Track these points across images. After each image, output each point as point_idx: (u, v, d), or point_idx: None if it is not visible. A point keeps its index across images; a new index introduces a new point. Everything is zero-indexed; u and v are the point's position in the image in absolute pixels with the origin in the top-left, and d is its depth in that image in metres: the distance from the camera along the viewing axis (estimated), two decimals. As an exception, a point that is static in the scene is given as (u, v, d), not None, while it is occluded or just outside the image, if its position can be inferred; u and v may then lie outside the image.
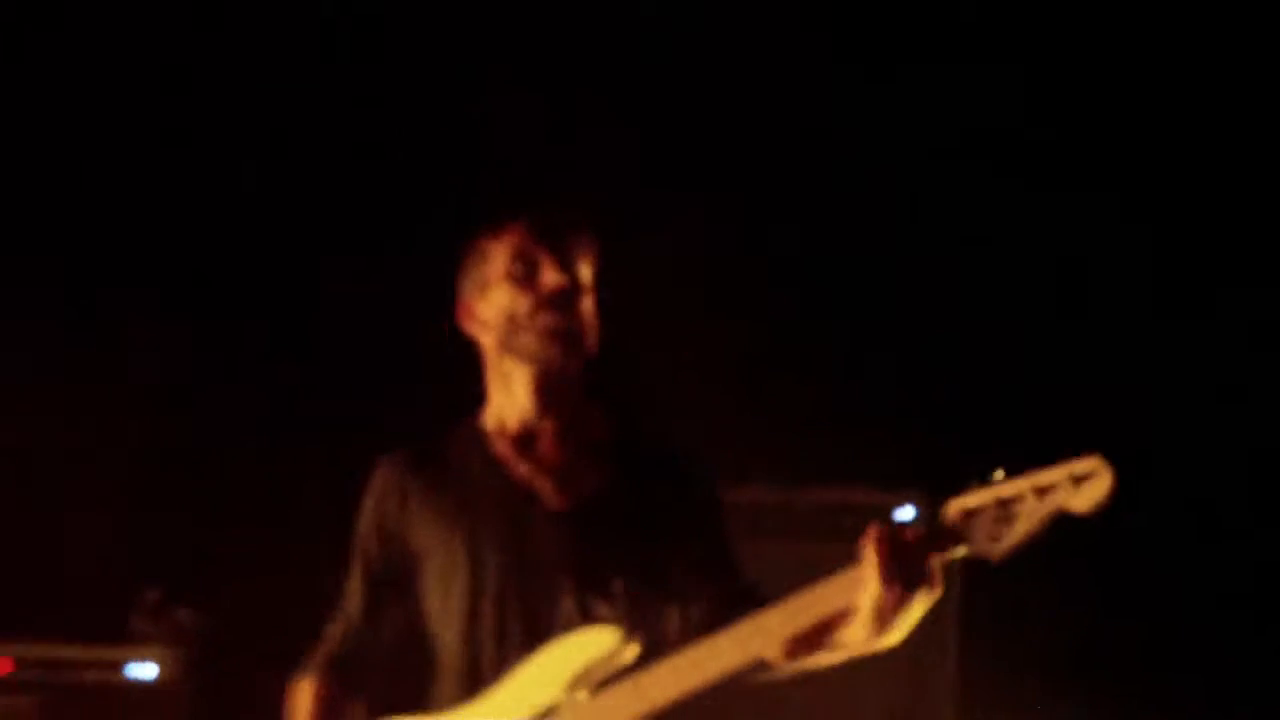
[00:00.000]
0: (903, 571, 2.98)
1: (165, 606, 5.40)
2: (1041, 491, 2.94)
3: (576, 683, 3.16)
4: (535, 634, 3.21)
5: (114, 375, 5.66)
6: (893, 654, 3.15)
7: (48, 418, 5.56)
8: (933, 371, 5.60)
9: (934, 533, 3.00)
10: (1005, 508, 2.95)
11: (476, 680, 3.24)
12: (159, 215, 5.67)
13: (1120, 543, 3.61)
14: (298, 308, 5.70)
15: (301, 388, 5.69)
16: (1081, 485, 2.91)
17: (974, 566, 3.04)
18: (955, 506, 3.00)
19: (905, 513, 5.48)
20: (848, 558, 3.11)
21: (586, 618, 3.21)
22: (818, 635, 3.11)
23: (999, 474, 2.99)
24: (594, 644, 3.17)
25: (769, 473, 5.39)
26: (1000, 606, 5.18)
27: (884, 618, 3.01)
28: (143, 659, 5.30)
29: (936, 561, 3.00)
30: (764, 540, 5.01)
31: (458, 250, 3.41)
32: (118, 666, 5.31)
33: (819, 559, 4.72)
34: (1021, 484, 2.96)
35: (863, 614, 3.02)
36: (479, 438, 3.38)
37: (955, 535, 2.99)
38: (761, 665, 3.20)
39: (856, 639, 3.08)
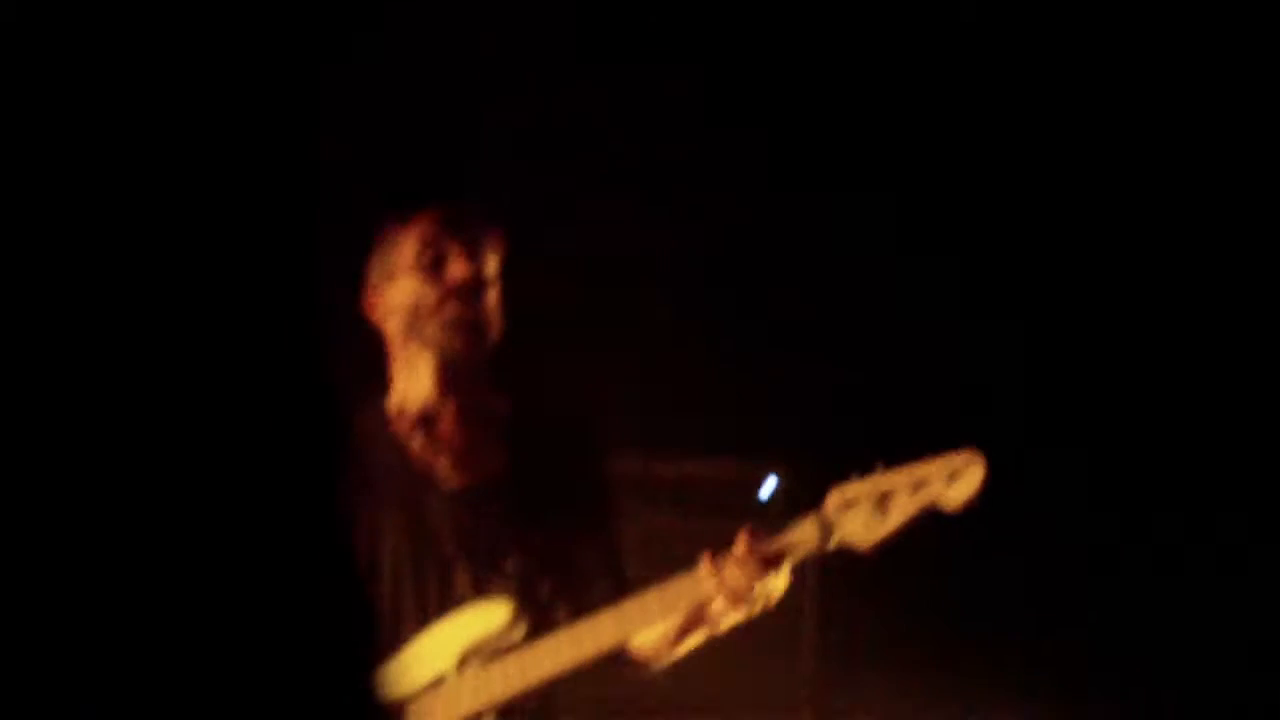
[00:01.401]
0: (736, 588, 3.14)
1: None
2: (916, 485, 3.06)
3: (467, 656, 3.26)
4: (429, 609, 3.31)
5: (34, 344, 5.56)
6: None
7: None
8: (800, 345, 5.68)
9: (765, 555, 3.13)
10: (881, 500, 3.07)
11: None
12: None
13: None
14: (192, 265, 5.64)
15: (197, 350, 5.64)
16: (955, 481, 3.04)
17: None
18: (835, 497, 3.11)
19: (767, 486, 5.58)
20: (710, 530, 3.24)
21: (479, 594, 3.31)
22: (690, 616, 3.26)
23: (879, 466, 3.10)
24: (486, 619, 3.28)
25: (631, 443, 5.47)
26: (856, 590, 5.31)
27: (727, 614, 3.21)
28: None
29: (766, 579, 3.14)
30: (630, 512, 5.11)
31: (365, 238, 3.47)
32: None
33: (679, 532, 4.86)
34: (899, 476, 3.07)
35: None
36: (381, 418, 3.45)
37: (780, 557, 3.13)
38: (636, 661, 3.36)
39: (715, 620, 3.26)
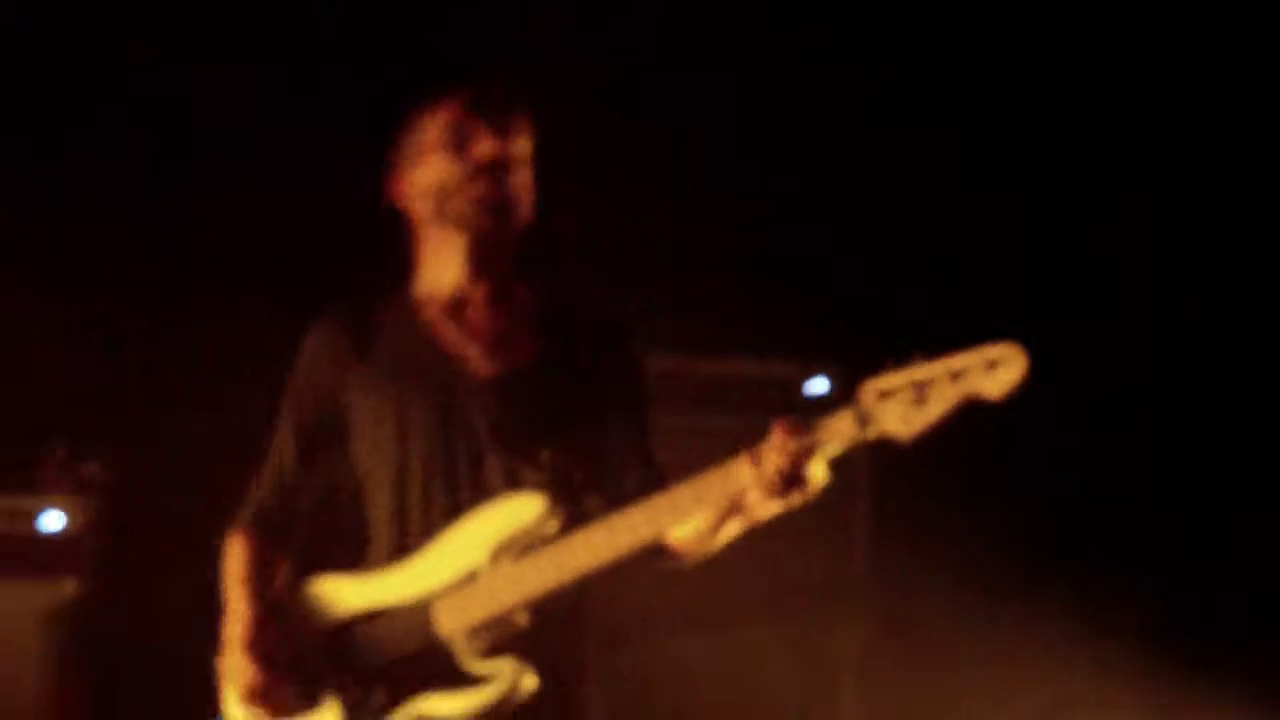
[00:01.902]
0: (771, 478, 3.06)
1: (72, 460, 5.39)
2: (955, 375, 2.99)
3: (500, 549, 3.21)
4: (461, 499, 3.26)
5: (24, 225, 5.60)
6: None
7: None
8: (850, 245, 5.64)
9: (800, 446, 3.05)
10: (919, 390, 3.00)
11: (404, 542, 3.29)
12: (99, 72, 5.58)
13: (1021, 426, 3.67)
14: (218, 160, 5.64)
15: (218, 242, 5.66)
16: (994, 370, 2.96)
17: (884, 447, 3.11)
18: (870, 388, 3.05)
19: (819, 385, 5.54)
20: (760, 429, 3.18)
21: (512, 485, 3.26)
22: (726, 507, 3.18)
23: (915, 357, 3.04)
24: (519, 511, 3.22)
25: (683, 342, 5.44)
26: (910, 485, 5.27)
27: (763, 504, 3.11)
28: (51, 509, 5.31)
29: (802, 470, 3.06)
30: (676, 411, 5.07)
31: (394, 122, 3.41)
32: (26, 516, 5.31)
33: (730, 430, 4.82)
34: (936, 367, 3.00)
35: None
36: (410, 304, 3.39)
37: (815, 447, 3.05)
38: (672, 553, 3.28)
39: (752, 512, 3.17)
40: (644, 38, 5.49)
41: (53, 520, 5.30)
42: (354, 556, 3.38)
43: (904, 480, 5.22)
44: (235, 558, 3.41)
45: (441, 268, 3.37)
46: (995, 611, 5.52)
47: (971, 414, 3.01)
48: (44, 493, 5.34)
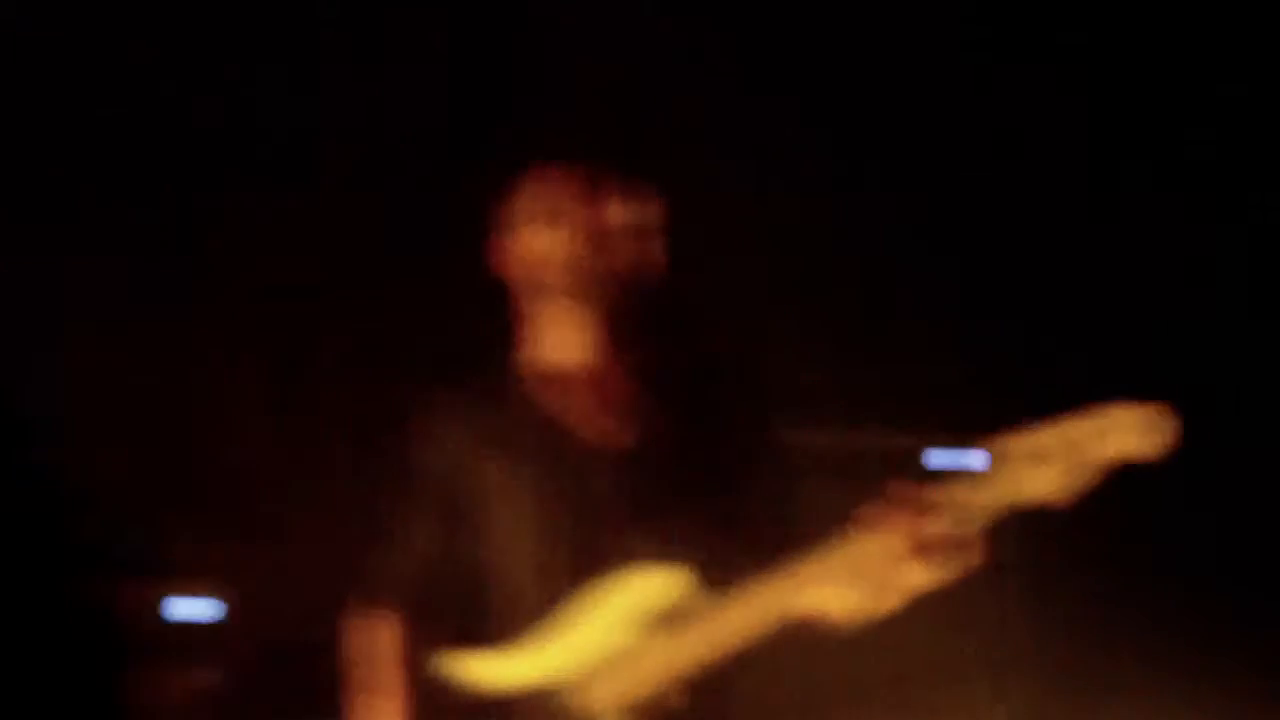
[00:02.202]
0: (901, 540, 2.98)
1: (208, 543, 5.41)
2: (1102, 436, 2.90)
3: (645, 624, 3.15)
4: (600, 576, 3.20)
5: (168, 321, 5.63)
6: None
7: (92, 357, 5.54)
8: (985, 311, 5.57)
9: (927, 505, 2.98)
10: (1066, 452, 2.92)
11: (543, 622, 3.23)
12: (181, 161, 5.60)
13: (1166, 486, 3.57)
14: (346, 255, 5.64)
15: (342, 333, 5.68)
16: (1142, 432, 2.88)
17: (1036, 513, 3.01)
18: (1014, 450, 2.96)
19: (977, 459, 5.44)
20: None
21: (651, 558, 3.19)
22: (874, 578, 3.08)
23: (1060, 417, 2.95)
24: (661, 585, 3.17)
25: (819, 415, 5.38)
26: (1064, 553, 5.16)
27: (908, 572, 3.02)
28: (188, 595, 5.32)
29: (943, 532, 2.97)
30: (815, 484, 5.00)
31: (504, 186, 3.38)
32: (162, 603, 5.32)
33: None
34: (1082, 427, 2.92)
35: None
36: (534, 376, 3.35)
37: (946, 508, 2.96)
38: (820, 624, 3.18)
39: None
40: (771, 105, 5.47)
41: (190, 608, 5.32)
42: (492, 636, 3.32)
43: (1056, 547, 5.11)
44: (376, 639, 3.37)
45: (566, 339, 3.32)
46: (1154, 684, 5.39)
47: (1124, 476, 2.92)
48: (181, 578, 5.37)
